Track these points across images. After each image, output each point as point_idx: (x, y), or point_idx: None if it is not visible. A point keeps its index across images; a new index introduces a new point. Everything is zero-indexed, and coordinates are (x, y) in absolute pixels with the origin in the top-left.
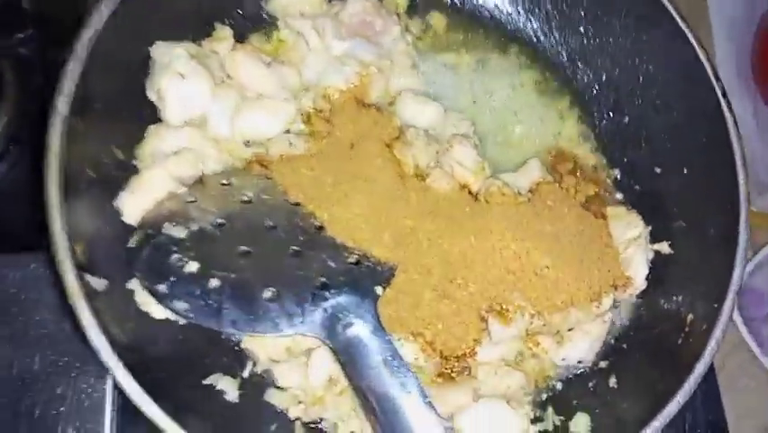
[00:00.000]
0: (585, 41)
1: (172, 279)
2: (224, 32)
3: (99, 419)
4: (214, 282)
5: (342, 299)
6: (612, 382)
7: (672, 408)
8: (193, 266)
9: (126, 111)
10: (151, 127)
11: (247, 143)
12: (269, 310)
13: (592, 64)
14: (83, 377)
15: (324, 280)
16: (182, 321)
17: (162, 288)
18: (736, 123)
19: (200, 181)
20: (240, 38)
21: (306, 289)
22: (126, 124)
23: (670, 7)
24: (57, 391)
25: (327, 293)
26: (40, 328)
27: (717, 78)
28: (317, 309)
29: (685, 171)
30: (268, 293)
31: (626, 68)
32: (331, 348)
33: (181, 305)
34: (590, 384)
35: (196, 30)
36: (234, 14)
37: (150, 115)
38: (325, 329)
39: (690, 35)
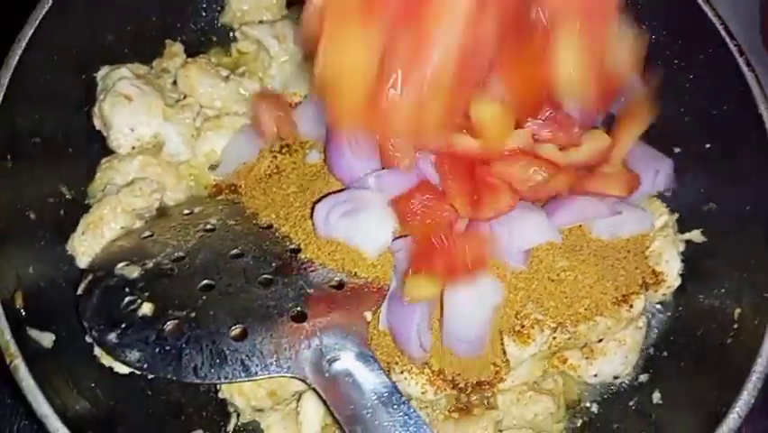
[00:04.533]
0: None
1: (123, 325)
2: (175, 48)
3: None
4: (170, 325)
5: (325, 330)
6: (656, 397)
7: (731, 422)
8: (146, 308)
9: (73, 146)
10: (103, 160)
11: (212, 167)
12: (236, 351)
13: None
14: None
15: (300, 309)
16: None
17: (112, 337)
18: (758, 81)
19: (161, 213)
20: (194, 55)
21: (279, 321)
22: (74, 160)
23: None
24: None
25: (306, 325)
26: None
27: (732, 37)
28: (295, 345)
29: (708, 146)
30: (235, 331)
31: None
32: (314, 390)
33: (133, 355)
34: (631, 403)
35: (146, 51)
36: (187, 30)
37: (102, 147)
38: (306, 367)
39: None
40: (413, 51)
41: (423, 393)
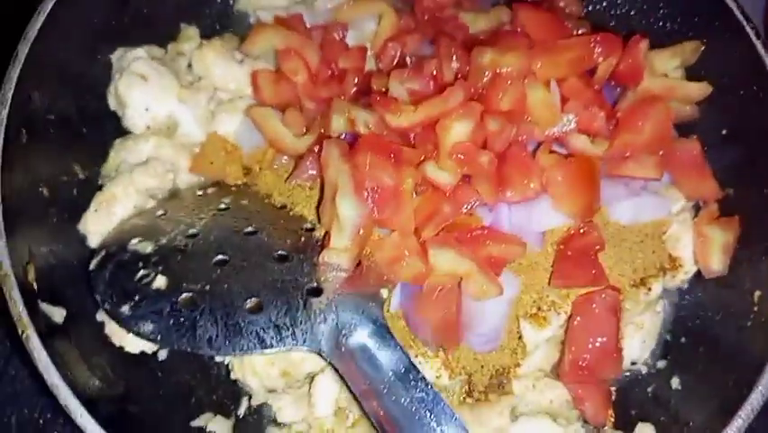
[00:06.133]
0: None
1: (136, 298)
2: (190, 32)
3: None
4: (185, 297)
5: (341, 304)
6: (675, 383)
7: (754, 401)
8: (161, 281)
9: (88, 126)
10: (117, 140)
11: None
12: (252, 323)
13: None
14: None
15: (316, 285)
16: (162, 355)
17: (125, 309)
18: None
19: (175, 194)
20: (209, 39)
21: (295, 295)
22: (88, 140)
23: None
24: None
25: (322, 299)
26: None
27: (749, 20)
28: (311, 318)
29: (725, 132)
30: (250, 303)
31: None
32: (331, 364)
33: (147, 327)
34: (650, 389)
35: (161, 34)
36: (202, 15)
37: (116, 128)
38: (323, 341)
39: None
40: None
41: (437, 378)
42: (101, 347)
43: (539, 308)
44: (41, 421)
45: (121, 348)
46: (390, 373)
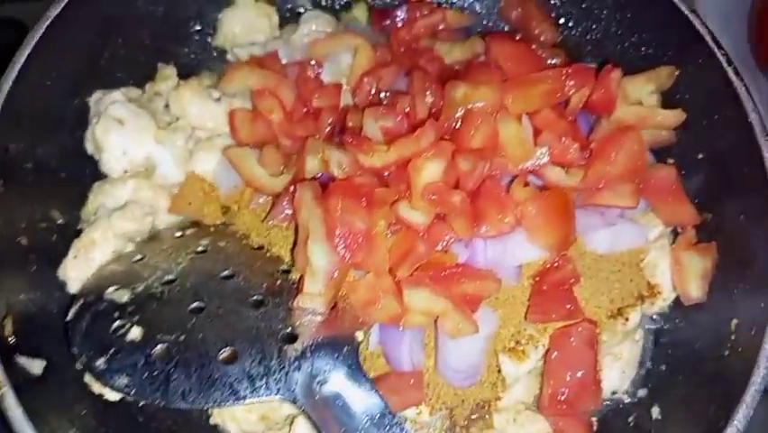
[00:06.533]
0: None
1: (112, 350)
2: (167, 71)
3: None
4: (159, 349)
5: (316, 350)
6: (655, 412)
7: None
8: (136, 332)
9: (66, 170)
10: (96, 184)
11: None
12: (226, 374)
13: None
14: None
15: (291, 330)
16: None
17: (100, 363)
18: (747, 90)
19: (154, 237)
20: (187, 78)
21: (270, 343)
22: (67, 185)
23: None
24: None
25: (297, 346)
26: None
27: (719, 46)
28: (285, 367)
29: (701, 156)
30: (224, 353)
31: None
32: (305, 413)
33: (122, 380)
34: (630, 419)
35: (139, 74)
36: (180, 54)
37: (95, 171)
38: (297, 389)
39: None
40: None
41: (418, 414)
42: (81, 395)
43: (517, 342)
44: None
45: (101, 395)
46: (365, 419)
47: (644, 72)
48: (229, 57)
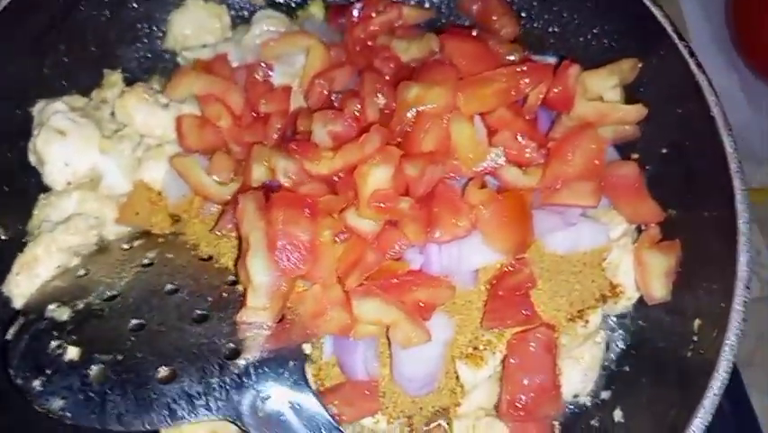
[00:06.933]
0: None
1: (48, 372)
2: (114, 78)
3: None
4: (95, 370)
5: (259, 367)
6: (618, 415)
7: None
8: (73, 352)
9: (10, 183)
10: (41, 196)
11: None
12: (164, 394)
13: None
14: None
15: (234, 346)
16: None
17: (36, 385)
18: (710, 82)
19: (101, 249)
20: (138, 82)
21: (212, 360)
22: (11, 199)
23: None
24: None
25: (240, 362)
26: None
27: (681, 38)
28: (226, 385)
29: (665, 151)
30: (162, 372)
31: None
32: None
33: (57, 403)
34: (593, 421)
35: (84, 82)
36: (128, 58)
37: (40, 184)
38: (240, 408)
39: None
40: None
41: (375, 423)
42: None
43: (475, 348)
44: None
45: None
46: None
47: (607, 66)
48: (179, 60)
